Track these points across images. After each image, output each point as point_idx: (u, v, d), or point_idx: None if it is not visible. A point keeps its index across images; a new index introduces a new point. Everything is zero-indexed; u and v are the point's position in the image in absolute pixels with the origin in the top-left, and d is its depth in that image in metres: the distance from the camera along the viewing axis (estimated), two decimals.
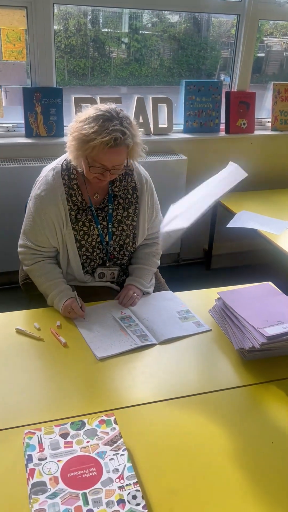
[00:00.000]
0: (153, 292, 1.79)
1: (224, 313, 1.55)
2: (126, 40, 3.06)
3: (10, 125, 2.73)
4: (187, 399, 1.25)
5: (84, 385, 1.28)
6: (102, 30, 3.00)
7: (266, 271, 2.54)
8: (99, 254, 1.76)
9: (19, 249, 1.76)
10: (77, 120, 1.57)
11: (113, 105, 1.58)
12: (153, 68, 3.12)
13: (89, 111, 1.55)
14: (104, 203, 1.72)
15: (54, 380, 1.29)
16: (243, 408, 1.23)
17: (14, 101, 2.67)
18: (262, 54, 3.49)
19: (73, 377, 1.31)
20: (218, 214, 3.04)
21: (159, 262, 1.89)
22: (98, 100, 2.72)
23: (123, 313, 1.61)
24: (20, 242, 1.75)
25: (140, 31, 3.06)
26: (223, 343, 1.49)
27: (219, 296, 1.59)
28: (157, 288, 1.84)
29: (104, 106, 1.56)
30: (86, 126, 1.50)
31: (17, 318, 1.57)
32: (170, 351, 1.44)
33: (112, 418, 1.10)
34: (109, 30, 3.01)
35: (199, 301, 1.71)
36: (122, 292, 1.71)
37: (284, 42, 3.56)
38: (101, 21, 3.01)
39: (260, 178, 3.27)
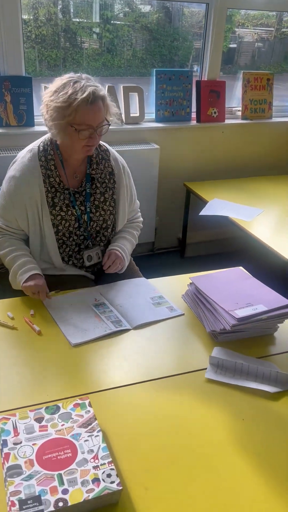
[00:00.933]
0: (127, 279, 1.81)
1: (197, 298, 1.57)
2: (97, 30, 3.03)
3: None
4: (160, 381, 1.27)
5: (58, 371, 1.29)
6: (73, 20, 2.96)
7: (239, 257, 2.60)
8: (76, 240, 1.77)
9: None
10: (46, 96, 1.59)
11: (71, 73, 1.62)
12: (126, 59, 3.11)
13: (53, 84, 1.59)
14: (82, 186, 1.74)
15: (28, 368, 1.30)
16: (215, 388, 1.26)
17: None
18: (234, 45, 3.51)
19: (47, 364, 1.32)
20: (191, 202, 3.08)
21: (137, 234, 1.95)
22: None
23: (97, 300, 1.62)
24: None
25: (112, 21, 3.04)
26: (196, 326, 1.52)
27: (191, 281, 1.62)
28: (131, 276, 1.86)
29: (64, 76, 1.60)
30: (60, 94, 1.54)
31: None
32: (144, 336, 1.46)
33: (87, 401, 1.11)
34: (80, 20, 2.98)
35: (172, 287, 1.74)
36: (105, 257, 1.73)
37: (255, 33, 3.59)
38: (72, 10, 2.97)
39: (231, 167, 3.32)
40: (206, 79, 3.10)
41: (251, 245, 2.40)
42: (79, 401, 1.11)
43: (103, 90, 1.61)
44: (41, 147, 1.69)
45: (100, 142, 1.77)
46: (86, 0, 2.88)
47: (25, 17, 2.60)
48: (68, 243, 1.76)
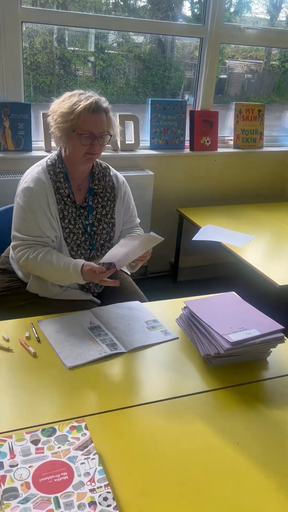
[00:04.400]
0: (127, 297, 1.86)
1: (191, 322, 1.60)
2: (92, 58, 3.12)
3: None
4: (155, 404, 1.28)
5: (54, 394, 1.30)
6: (68, 48, 3.06)
7: (231, 282, 2.63)
8: (84, 254, 1.82)
9: (14, 248, 1.75)
10: (54, 104, 1.72)
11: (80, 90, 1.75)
12: (119, 86, 3.20)
13: (63, 95, 1.72)
14: (86, 201, 1.81)
15: (24, 389, 1.30)
16: (209, 411, 1.28)
17: None
18: (225, 76, 3.64)
19: (43, 386, 1.32)
20: (184, 228, 3.13)
21: None
22: None
23: (92, 323, 1.64)
24: (12, 243, 1.77)
25: (106, 51, 3.13)
26: (190, 350, 1.53)
27: (185, 305, 1.64)
28: (133, 294, 1.91)
29: (72, 91, 1.73)
30: (65, 102, 1.68)
31: None
32: (139, 359, 1.47)
33: (83, 424, 1.12)
34: (75, 48, 3.07)
35: (167, 310, 1.76)
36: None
37: (245, 65, 3.74)
38: (67, 39, 3.07)
39: (223, 194, 3.39)
40: (199, 109, 3.20)
41: (242, 270, 2.45)
42: (75, 424, 1.12)
43: (107, 103, 1.72)
44: (49, 162, 1.78)
45: (101, 161, 1.88)
46: (81, 30, 2.97)
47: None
48: (77, 257, 1.80)
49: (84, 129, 1.66)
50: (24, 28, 2.69)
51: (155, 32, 3.07)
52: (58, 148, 1.82)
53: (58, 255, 1.72)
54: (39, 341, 1.51)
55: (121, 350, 1.49)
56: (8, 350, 1.46)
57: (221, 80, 3.53)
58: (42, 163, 1.78)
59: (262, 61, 3.74)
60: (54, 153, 1.82)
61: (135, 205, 2.00)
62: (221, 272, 3.39)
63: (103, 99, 1.72)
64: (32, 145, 2.77)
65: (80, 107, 1.64)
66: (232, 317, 1.54)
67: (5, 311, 1.88)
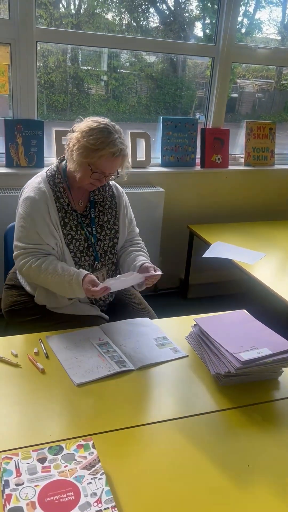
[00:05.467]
0: (136, 315, 1.85)
1: (201, 339, 1.58)
2: (104, 77, 3.17)
3: None
4: (164, 423, 1.26)
5: (62, 411, 1.28)
6: (82, 67, 3.11)
7: (242, 300, 2.61)
8: (88, 261, 1.83)
9: (16, 257, 1.77)
10: (80, 130, 1.71)
11: (107, 119, 1.76)
12: (131, 105, 3.23)
13: (89, 123, 1.71)
14: (87, 210, 1.85)
15: (31, 406, 1.29)
16: (220, 432, 1.25)
17: None
18: (236, 95, 3.67)
19: (51, 403, 1.31)
20: (194, 244, 3.12)
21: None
22: None
23: (101, 339, 1.62)
24: (14, 253, 1.79)
25: (118, 70, 3.18)
26: (200, 369, 1.51)
27: (195, 323, 1.63)
28: (142, 311, 1.90)
29: (100, 119, 1.74)
30: (92, 137, 1.67)
31: None
32: (148, 377, 1.46)
33: (90, 443, 1.10)
34: (88, 67, 3.12)
35: (176, 328, 1.74)
36: (145, 272, 1.75)
37: (256, 84, 3.77)
38: (80, 59, 3.12)
39: (234, 211, 3.38)
40: (210, 127, 3.21)
41: (253, 288, 2.42)
42: (83, 442, 1.10)
43: (127, 150, 1.76)
44: (49, 173, 1.81)
45: None
46: (94, 50, 3.02)
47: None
48: (81, 263, 1.81)
49: (100, 170, 1.71)
50: (38, 48, 2.74)
51: (168, 52, 3.12)
52: (58, 160, 1.85)
53: (63, 264, 1.73)
54: (47, 357, 1.50)
55: (130, 368, 1.48)
56: (16, 365, 1.45)
57: (232, 99, 3.56)
58: (42, 174, 1.82)
59: (273, 81, 3.77)
60: (53, 165, 1.85)
61: (135, 219, 2.03)
62: (231, 289, 3.36)
63: (125, 145, 1.73)
64: (44, 162, 2.80)
65: (104, 151, 1.66)
66: (243, 336, 1.51)
67: (14, 326, 1.88)
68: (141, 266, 1.80)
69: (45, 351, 1.52)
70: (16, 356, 1.50)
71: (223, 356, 1.43)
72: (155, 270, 1.76)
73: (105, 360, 1.50)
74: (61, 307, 1.81)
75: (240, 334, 1.53)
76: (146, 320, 1.79)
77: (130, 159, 1.83)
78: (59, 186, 1.79)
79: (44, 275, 1.70)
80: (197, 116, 3.40)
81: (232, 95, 3.58)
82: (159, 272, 1.74)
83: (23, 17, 2.55)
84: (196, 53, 3.16)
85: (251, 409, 1.34)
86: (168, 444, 1.19)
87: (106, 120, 1.75)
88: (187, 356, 1.57)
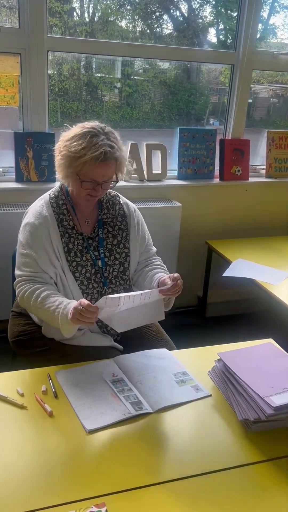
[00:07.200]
0: (152, 344, 1.71)
1: (225, 377, 1.42)
2: (118, 85, 3.10)
3: (0, 169, 2.66)
4: (185, 481, 1.11)
5: (71, 464, 1.14)
6: (95, 75, 3.03)
7: (263, 320, 2.45)
8: (96, 288, 1.68)
9: (15, 286, 1.65)
10: (63, 139, 1.60)
11: (96, 122, 1.63)
12: (144, 112, 3.16)
13: (75, 129, 1.60)
14: (95, 232, 1.70)
15: (37, 458, 1.15)
16: (248, 491, 1.09)
17: (5, 146, 2.61)
18: (250, 100, 3.54)
19: (58, 454, 1.16)
20: (213, 261, 2.96)
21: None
22: None
23: (115, 375, 1.48)
24: (14, 283, 1.66)
25: (132, 77, 3.11)
26: (224, 410, 1.36)
27: (219, 357, 1.47)
28: (160, 340, 1.77)
29: (88, 124, 1.61)
30: (74, 143, 1.55)
31: None
32: (167, 421, 1.30)
33: (103, 510, 0.96)
34: (101, 75, 3.05)
35: (197, 360, 1.60)
36: (167, 284, 1.55)
37: (270, 89, 3.63)
38: (94, 66, 3.05)
39: (255, 225, 3.22)
40: (230, 138, 3.06)
41: (277, 310, 2.26)
42: (95, 509, 0.96)
43: (118, 152, 1.58)
44: (52, 195, 1.70)
45: (110, 190, 1.77)
46: (108, 57, 2.94)
47: (49, 71, 2.63)
48: (89, 291, 1.67)
49: (87, 177, 1.57)
50: (50, 57, 2.63)
51: (185, 60, 2.99)
52: (62, 181, 1.73)
53: (56, 293, 1.58)
54: (56, 396, 1.36)
55: (147, 410, 1.33)
56: (22, 407, 1.31)
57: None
58: (45, 197, 1.71)
59: (287, 85, 3.63)
60: (57, 185, 1.74)
61: (149, 233, 1.86)
62: (251, 308, 3.19)
63: (115, 146, 1.57)
64: (56, 176, 2.67)
65: (86, 157, 1.52)
66: (272, 374, 1.36)
67: (21, 358, 1.75)
68: (158, 285, 1.63)
69: (53, 390, 1.38)
70: (22, 395, 1.36)
71: (251, 400, 1.27)
72: (171, 279, 1.55)
73: (120, 401, 1.35)
74: (71, 338, 1.67)
75: (270, 372, 1.37)
76: (163, 351, 1.64)
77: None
78: (62, 208, 1.66)
79: (35, 303, 1.56)
80: (211, 122, 3.31)
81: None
82: (173, 277, 1.52)
83: (34, 26, 2.44)
84: (214, 61, 3.01)
85: (285, 461, 1.18)
86: (192, 505, 1.04)
87: (96, 123, 1.61)
88: (210, 395, 1.42)
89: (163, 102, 3.19)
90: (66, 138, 1.59)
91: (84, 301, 1.42)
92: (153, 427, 1.28)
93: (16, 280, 1.65)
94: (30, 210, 1.70)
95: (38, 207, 1.67)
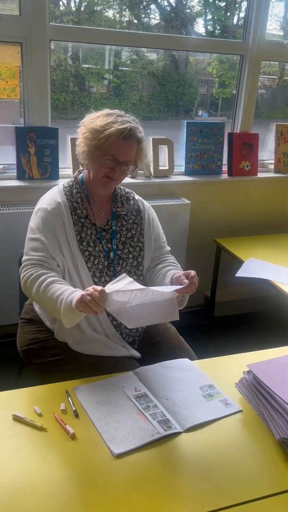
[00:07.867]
0: (171, 353, 1.62)
1: (256, 390, 1.33)
2: (107, 75, 3.04)
3: (1, 166, 2.53)
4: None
5: (97, 495, 1.03)
6: (82, 66, 2.95)
7: (272, 318, 2.37)
8: (108, 281, 1.56)
9: (20, 273, 1.56)
10: (88, 118, 1.60)
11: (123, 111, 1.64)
12: (133, 103, 3.11)
13: (102, 111, 1.61)
14: (108, 224, 1.66)
15: (60, 489, 1.04)
16: None
17: (6, 141, 2.49)
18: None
19: (83, 483, 1.06)
20: (222, 259, 2.87)
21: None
22: None
23: (137, 390, 1.38)
24: (22, 262, 1.57)
25: (120, 68, 3.05)
26: (258, 428, 1.26)
27: (248, 369, 1.38)
28: (179, 349, 1.68)
29: (113, 110, 1.62)
30: (100, 118, 1.56)
31: (13, 399, 1.32)
32: (198, 442, 1.21)
33: None
34: (89, 66, 2.97)
35: (221, 370, 1.51)
36: (181, 281, 1.49)
37: (259, 81, 3.55)
38: (81, 57, 2.96)
39: (265, 222, 3.13)
40: (238, 132, 2.96)
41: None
42: None
43: (142, 134, 1.60)
44: (66, 184, 1.67)
45: (124, 187, 1.77)
46: (96, 47, 2.87)
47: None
48: (100, 284, 1.56)
49: (110, 153, 1.54)
50: (52, 47, 2.50)
51: (195, 50, 2.89)
52: (77, 172, 1.71)
53: (62, 281, 1.49)
54: (77, 415, 1.26)
55: (176, 430, 1.23)
56: (41, 429, 1.21)
57: (233, 96, 3.35)
58: (58, 185, 1.68)
59: (275, 77, 3.61)
60: (70, 178, 1.71)
61: (162, 229, 1.81)
62: (259, 306, 3.11)
63: (140, 128, 1.60)
64: (59, 173, 2.55)
65: (112, 129, 1.52)
66: None
67: (33, 369, 1.64)
68: (172, 281, 1.55)
69: (73, 408, 1.28)
70: (40, 415, 1.25)
71: None
72: (186, 276, 1.50)
73: (147, 420, 1.25)
74: (86, 345, 1.57)
75: None
76: (186, 362, 1.54)
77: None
78: (76, 197, 1.62)
79: (38, 289, 1.47)
80: (200, 114, 3.27)
81: (234, 91, 3.37)
82: (189, 275, 1.49)
83: (36, 12, 2.30)
84: (224, 51, 2.90)
85: None
86: None
87: (122, 111, 1.63)
88: (241, 410, 1.32)
89: (152, 94, 3.16)
90: (93, 116, 1.59)
91: (98, 287, 1.34)
92: (186, 449, 1.19)
93: (22, 264, 1.56)
94: (43, 197, 1.66)
95: (51, 194, 1.63)
